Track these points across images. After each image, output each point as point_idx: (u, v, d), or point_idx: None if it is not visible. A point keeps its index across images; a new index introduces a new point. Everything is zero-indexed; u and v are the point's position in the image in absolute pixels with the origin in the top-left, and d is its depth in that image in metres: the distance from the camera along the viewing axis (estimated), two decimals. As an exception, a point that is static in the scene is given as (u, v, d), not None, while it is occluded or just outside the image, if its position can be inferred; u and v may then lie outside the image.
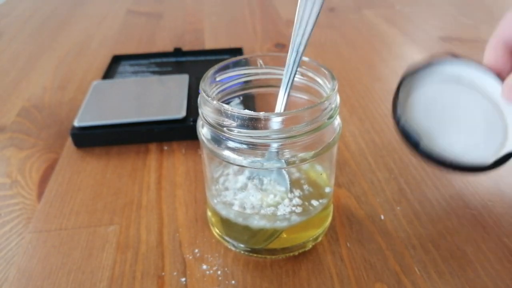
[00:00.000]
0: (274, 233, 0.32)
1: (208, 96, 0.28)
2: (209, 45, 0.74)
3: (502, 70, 0.32)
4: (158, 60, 0.64)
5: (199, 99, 0.30)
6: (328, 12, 0.86)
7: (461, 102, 0.34)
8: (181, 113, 0.47)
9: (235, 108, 0.27)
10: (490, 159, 0.32)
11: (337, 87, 0.29)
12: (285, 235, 0.33)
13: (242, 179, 0.33)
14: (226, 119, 0.27)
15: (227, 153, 0.29)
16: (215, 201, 0.33)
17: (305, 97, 0.33)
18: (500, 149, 0.32)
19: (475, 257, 0.33)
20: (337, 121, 0.31)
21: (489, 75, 0.33)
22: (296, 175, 0.34)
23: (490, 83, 0.33)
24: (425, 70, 0.35)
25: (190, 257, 0.34)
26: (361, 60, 0.66)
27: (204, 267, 0.33)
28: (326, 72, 0.30)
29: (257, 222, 0.31)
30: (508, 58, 0.32)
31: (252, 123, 0.27)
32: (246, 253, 0.34)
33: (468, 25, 0.79)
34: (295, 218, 0.32)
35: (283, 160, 0.28)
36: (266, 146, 0.28)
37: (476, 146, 0.33)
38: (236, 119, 0.27)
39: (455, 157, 0.32)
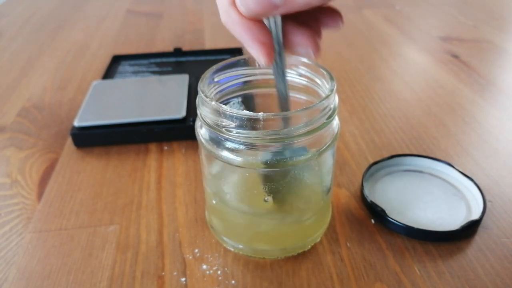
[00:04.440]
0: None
1: (207, 97, 0.28)
2: (209, 45, 0.74)
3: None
4: (158, 60, 0.64)
5: (197, 99, 0.30)
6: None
7: (425, 186, 0.39)
8: (181, 113, 0.48)
9: (234, 109, 0.27)
10: (457, 227, 0.34)
11: (335, 88, 0.29)
12: (286, 237, 0.33)
13: (240, 179, 0.33)
14: (224, 120, 0.27)
15: (225, 153, 0.29)
16: (214, 201, 0.33)
17: (303, 97, 0.33)
18: (464, 221, 0.35)
19: (475, 257, 0.33)
20: (336, 121, 0.31)
21: (445, 164, 0.40)
22: (295, 175, 0.34)
23: (448, 170, 0.40)
24: (389, 161, 0.41)
25: (190, 257, 0.34)
26: (361, 60, 0.66)
27: (204, 267, 0.33)
28: (325, 73, 0.30)
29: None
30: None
31: (250, 124, 0.27)
32: (245, 253, 0.34)
33: (468, 25, 0.79)
34: (295, 216, 0.32)
35: (282, 161, 0.28)
36: (265, 146, 0.28)
37: (442, 220, 0.36)
38: (234, 120, 0.27)
39: (423, 227, 0.34)
